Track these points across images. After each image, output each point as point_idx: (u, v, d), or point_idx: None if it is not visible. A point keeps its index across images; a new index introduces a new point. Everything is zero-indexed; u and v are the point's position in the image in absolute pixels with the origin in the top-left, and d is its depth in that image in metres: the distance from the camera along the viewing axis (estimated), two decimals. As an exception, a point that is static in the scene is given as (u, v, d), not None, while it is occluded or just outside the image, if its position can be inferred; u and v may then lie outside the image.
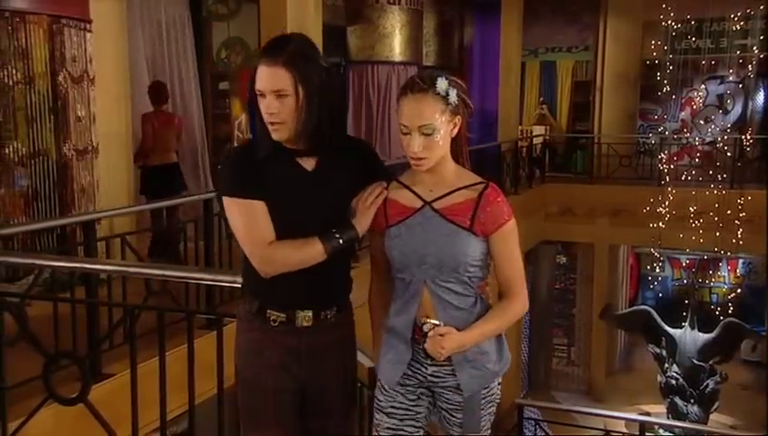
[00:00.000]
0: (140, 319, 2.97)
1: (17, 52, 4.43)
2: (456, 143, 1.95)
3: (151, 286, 3.15)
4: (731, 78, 13.06)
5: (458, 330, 1.90)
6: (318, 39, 5.59)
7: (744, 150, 11.06)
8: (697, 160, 10.99)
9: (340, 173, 1.97)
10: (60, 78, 4.67)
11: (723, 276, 14.34)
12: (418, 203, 1.95)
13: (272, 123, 1.89)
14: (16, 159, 4.45)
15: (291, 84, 1.86)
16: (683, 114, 13.64)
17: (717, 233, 8.94)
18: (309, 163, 1.97)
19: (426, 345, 1.89)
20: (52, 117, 4.64)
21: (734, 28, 11.72)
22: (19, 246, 4.43)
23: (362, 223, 1.97)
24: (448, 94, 1.85)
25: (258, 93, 1.89)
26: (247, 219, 1.91)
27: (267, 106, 1.88)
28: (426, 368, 1.98)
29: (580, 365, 12.82)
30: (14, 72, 4.41)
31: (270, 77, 1.86)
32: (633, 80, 12.85)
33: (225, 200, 1.94)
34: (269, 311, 2.01)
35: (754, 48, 11.73)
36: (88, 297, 3.41)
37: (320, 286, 1.99)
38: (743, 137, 10.59)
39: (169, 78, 7.21)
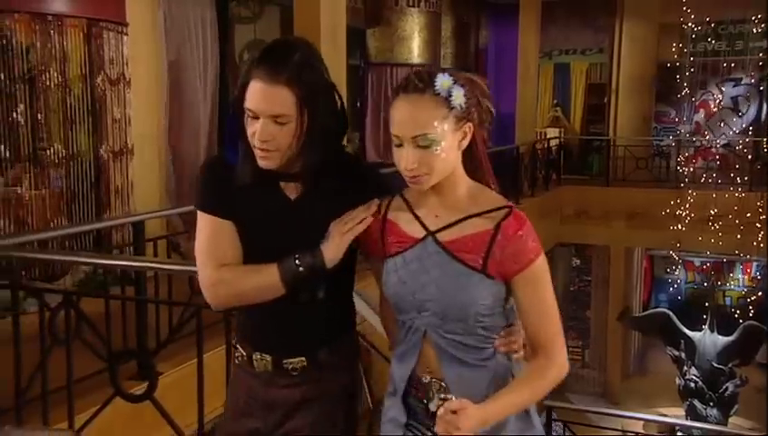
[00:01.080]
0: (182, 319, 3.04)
1: (57, 55, 4.47)
2: (470, 156, 1.55)
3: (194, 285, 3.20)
4: (746, 80, 13.09)
5: (472, 392, 1.47)
6: (343, 43, 5.62)
7: (760, 152, 11.08)
8: (715, 162, 10.99)
9: (328, 203, 1.60)
10: (98, 80, 4.71)
11: (738, 279, 14.33)
12: (420, 233, 1.55)
13: (263, 151, 1.53)
14: (56, 160, 4.49)
15: (295, 108, 1.51)
16: (697, 117, 13.65)
17: (738, 236, 8.94)
18: (292, 190, 1.62)
19: (437, 429, 1.42)
20: (90, 119, 4.69)
21: (752, 31, 11.75)
22: (57, 247, 4.47)
23: (331, 251, 1.58)
24: (450, 96, 1.45)
25: (248, 113, 1.52)
26: (209, 235, 1.62)
27: (260, 132, 1.51)
28: (430, 431, 1.56)
29: (595, 368, 12.82)
30: (55, 74, 4.44)
31: (267, 98, 1.50)
32: (648, 82, 12.86)
33: (198, 211, 1.66)
34: (237, 343, 1.73)
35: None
36: (137, 295, 3.43)
37: (281, 328, 1.65)
38: (764, 140, 10.58)
39: (190, 81, 7.24)
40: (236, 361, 1.72)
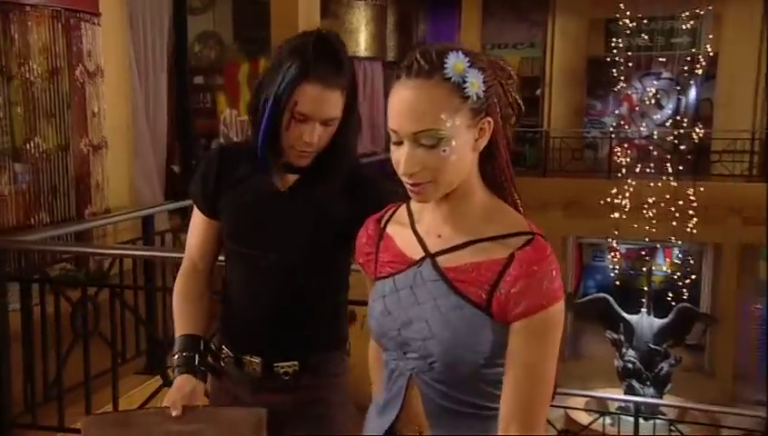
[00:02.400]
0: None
1: (36, 46, 4.34)
2: (489, 162, 1.22)
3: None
4: (666, 75, 13.77)
5: None
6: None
7: (680, 144, 11.68)
8: (640, 153, 11.52)
9: (313, 202, 1.56)
10: (77, 73, 4.59)
11: (660, 264, 15.07)
12: (418, 253, 1.24)
13: (304, 152, 1.52)
14: (36, 155, 4.36)
15: (341, 109, 1.51)
16: (622, 110, 14.26)
17: (673, 223, 9.44)
18: (282, 182, 1.59)
19: None
20: (69, 112, 4.56)
21: (674, 27, 12.35)
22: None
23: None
24: (464, 82, 1.13)
25: (298, 115, 1.47)
26: (192, 227, 1.68)
27: (309, 134, 1.48)
28: None
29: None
30: (34, 66, 4.31)
31: (324, 104, 1.47)
32: (579, 76, 13.35)
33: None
34: (222, 345, 1.67)
35: (692, 48, 12.41)
36: (147, 284, 3.41)
37: (274, 330, 1.57)
38: (683, 132, 11.19)
39: (144, 73, 7.09)
40: (221, 364, 1.65)
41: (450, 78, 1.12)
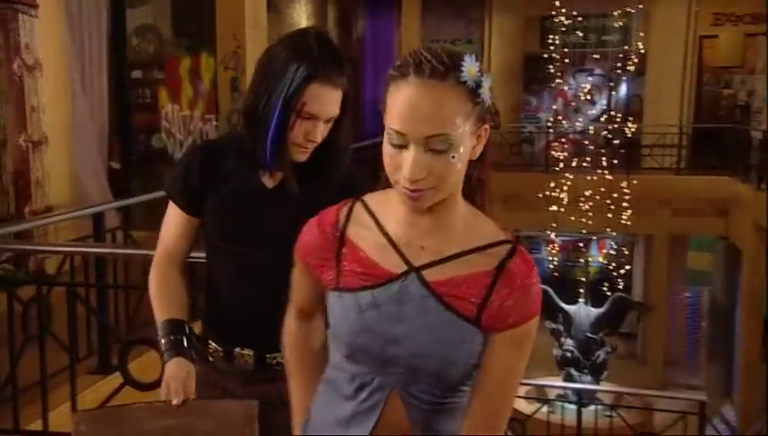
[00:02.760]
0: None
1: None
2: (475, 171, 1.19)
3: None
4: (598, 71, 14.16)
5: None
6: (265, 27, 5.62)
7: (613, 139, 12.05)
8: (584, 147, 11.80)
9: (300, 198, 1.56)
10: (14, 66, 4.45)
11: (594, 255, 15.51)
12: (399, 266, 1.17)
13: (306, 148, 1.56)
14: (-25, 151, 4.22)
15: (343, 105, 1.57)
16: (556, 105, 14.60)
17: (609, 215, 9.74)
18: (269, 179, 1.61)
19: None
20: (8, 107, 4.42)
21: (606, 25, 12.71)
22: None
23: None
24: (479, 87, 1.09)
25: (305, 115, 1.51)
26: (167, 218, 1.68)
27: (314, 133, 1.53)
28: None
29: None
30: (-29, 59, 4.16)
31: (331, 102, 1.53)
32: (516, 72, 13.60)
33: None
34: (209, 339, 1.66)
35: (624, 46, 12.80)
36: (98, 281, 3.35)
37: (267, 320, 1.50)
38: (615, 127, 11.53)
39: (83, 67, 6.91)
40: (209, 358, 1.64)
41: (465, 82, 1.08)
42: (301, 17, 9.72)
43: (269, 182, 1.61)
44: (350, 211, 1.23)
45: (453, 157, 1.09)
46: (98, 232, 3.37)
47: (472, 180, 1.19)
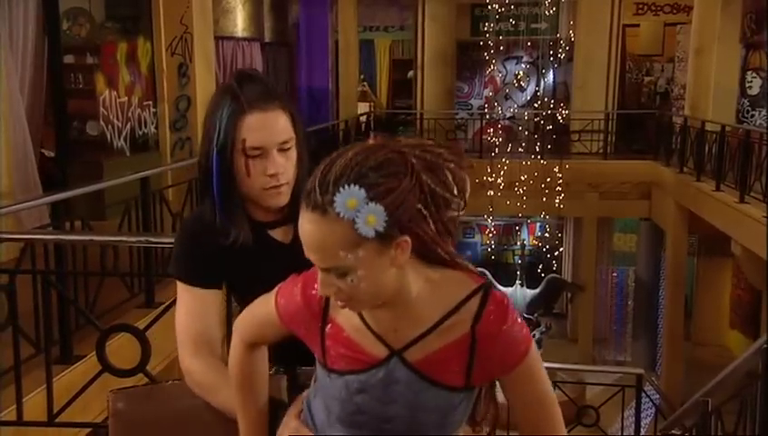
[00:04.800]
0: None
1: None
2: (421, 254, 1.13)
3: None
4: (526, 58, 14.50)
5: None
6: (210, 17, 5.56)
7: (545, 125, 12.40)
8: (516, 133, 12.11)
9: None
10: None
11: (524, 239, 15.94)
12: (381, 351, 1.17)
13: (276, 187, 1.45)
14: None
15: (293, 130, 1.45)
16: (486, 92, 14.89)
17: (543, 199, 10.04)
18: (282, 234, 1.52)
19: None
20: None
21: (533, 13, 13.01)
22: None
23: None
24: (355, 221, 1.03)
25: (251, 152, 1.41)
26: (189, 310, 1.51)
27: (273, 164, 1.42)
28: None
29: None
30: None
31: (271, 126, 1.42)
32: (449, 59, 13.77)
33: (178, 282, 1.54)
34: None
35: (552, 34, 13.15)
36: (58, 268, 3.30)
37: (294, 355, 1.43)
38: (558, 113, 11.86)
39: (14, 52, 6.66)
40: None
41: (342, 215, 1.03)
42: (237, 2, 9.60)
43: (284, 237, 1.52)
44: None
45: (352, 280, 1.07)
46: (58, 221, 3.31)
47: (423, 254, 1.13)
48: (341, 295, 1.10)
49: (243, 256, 1.47)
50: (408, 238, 1.06)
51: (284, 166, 1.43)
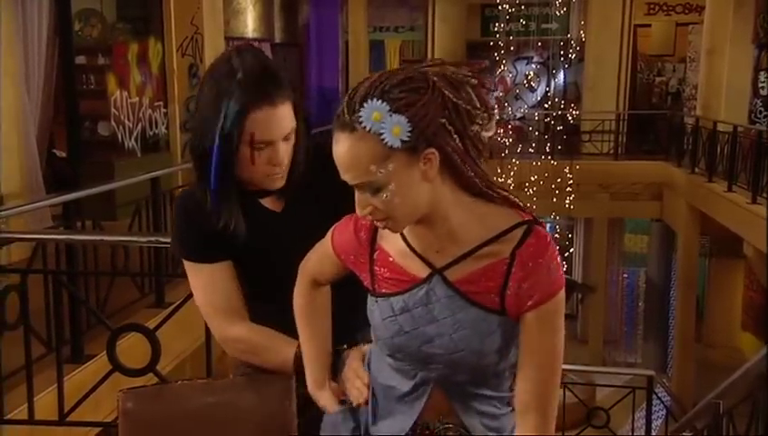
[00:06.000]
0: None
1: None
2: (455, 176, 1.16)
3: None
4: (536, 59, 14.46)
5: None
6: (221, 18, 5.58)
7: (555, 125, 12.37)
8: (528, 133, 12.07)
9: (311, 206, 1.50)
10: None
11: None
12: (423, 270, 1.23)
13: (276, 173, 1.47)
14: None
15: (294, 118, 1.46)
16: (497, 92, 14.85)
17: (554, 200, 10.00)
18: (272, 202, 1.54)
19: None
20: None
21: (544, 13, 12.97)
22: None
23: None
24: (381, 133, 1.09)
25: (259, 145, 1.41)
26: (205, 285, 1.53)
27: (277, 156, 1.44)
28: None
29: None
30: None
31: (278, 121, 1.42)
32: (459, 59, 13.69)
33: (185, 262, 1.55)
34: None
35: (563, 34, 13.11)
36: (69, 268, 3.32)
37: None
38: (569, 113, 11.82)
39: (27, 53, 6.70)
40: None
41: (368, 129, 1.09)
42: (247, 3, 9.65)
43: (275, 206, 1.54)
44: None
45: (386, 196, 1.13)
46: (69, 221, 3.33)
47: (460, 182, 1.18)
48: (378, 214, 1.15)
49: (238, 226, 1.48)
50: (434, 150, 1.11)
51: (287, 153, 1.46)
